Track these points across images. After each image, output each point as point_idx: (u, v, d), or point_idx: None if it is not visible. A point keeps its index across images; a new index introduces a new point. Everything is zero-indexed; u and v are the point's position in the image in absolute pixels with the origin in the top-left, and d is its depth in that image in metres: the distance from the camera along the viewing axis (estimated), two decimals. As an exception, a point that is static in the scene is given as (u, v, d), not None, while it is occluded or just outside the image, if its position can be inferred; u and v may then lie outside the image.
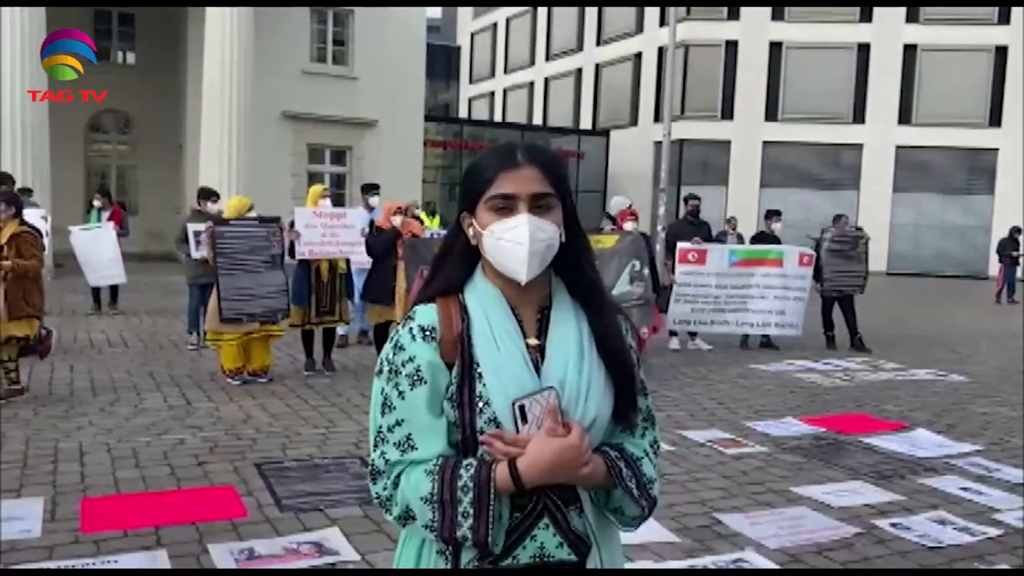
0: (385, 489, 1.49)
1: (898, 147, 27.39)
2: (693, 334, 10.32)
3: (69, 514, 4.22)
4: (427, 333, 1.51)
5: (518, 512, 1.47)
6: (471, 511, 1.42)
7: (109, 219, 11.61)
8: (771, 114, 28.06)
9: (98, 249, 11.16)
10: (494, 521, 1.42)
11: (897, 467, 5.56)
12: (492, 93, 38.64)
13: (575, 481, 1.47)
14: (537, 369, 1.50)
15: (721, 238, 10.94)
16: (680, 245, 9.62)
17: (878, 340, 10.94)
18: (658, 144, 23.70)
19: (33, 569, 3.40)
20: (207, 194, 9.49)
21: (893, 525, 4.47)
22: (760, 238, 10.83)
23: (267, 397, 6.94)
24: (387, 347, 1.55)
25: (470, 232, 1.56)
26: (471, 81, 40.41)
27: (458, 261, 1.59)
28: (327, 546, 3.92)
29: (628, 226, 8.82)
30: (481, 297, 1.55)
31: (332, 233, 7.65)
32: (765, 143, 27.96)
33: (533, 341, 1.53)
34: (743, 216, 24.66)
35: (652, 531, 4.27)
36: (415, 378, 1.48)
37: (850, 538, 4.27)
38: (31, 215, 8.14)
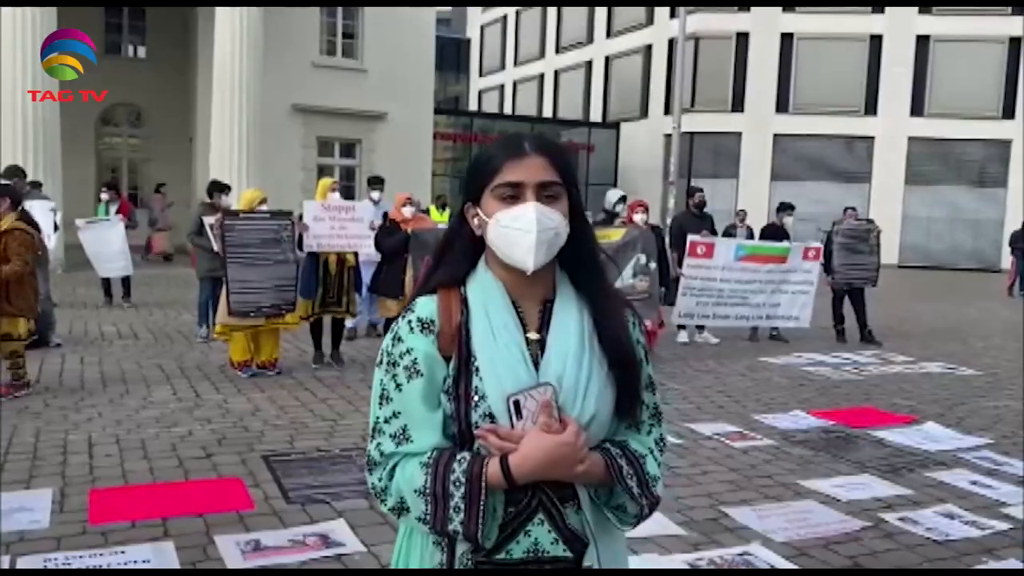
0: (380, 480, 1.49)
1: (910, 139, 27.21)
2: (701, 327, 10.29)
3: (77, 505, 4.24)
4: (425, 325, 1.50)
5: (512, 507, 1.46)
6: (462, 505, 1.41)
7: (117, 212, 11.67)
8: (782, 106, 27.91)
9: (107, 242, 11.23)
10: (485, 516, 1.41)
11: (906, 461, 5.54)
12: (502, 86, 38.58)
13: (570, 479, 1.46)
14: (536, 364, 1.48)
15: (730, 231, 10.90)
16: (690, 238, 9.57)
17: (888, 333, 10.88)
18: (668, 137, 23.67)
19: (37, 569, 3.41)
20: (219, 187, 9.51)
21: (901, 519, 4.45)
22: (770, 231, 10.76)
23: (276, 390, 6.96)
24: (387, 338, 1.55)
25: (475, 222, 1.54)
26: (481, 74, 40.35)
27: (461, 252, 1.58)
28: (333, 538, 3.93)
29: (637, 218, 8.78)
30: (482, 289, 1.53)
31: (341, 226, 7.64)
32: (776, 135, 27.82)
33: (534, 335, 1.52)
34: (754, 209, 24.59)
35: (658, 524, 4.26)
36: (412, 370, 1.48)
37: (858, 532, 4.25)
38: (40, 208, 8.18)
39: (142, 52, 22.69)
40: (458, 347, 1.48)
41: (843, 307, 10.73)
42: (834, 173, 27.63)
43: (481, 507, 1.41)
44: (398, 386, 1.49)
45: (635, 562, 3.78)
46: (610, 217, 9.87)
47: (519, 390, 1.44)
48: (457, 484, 1.41)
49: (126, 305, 11.56)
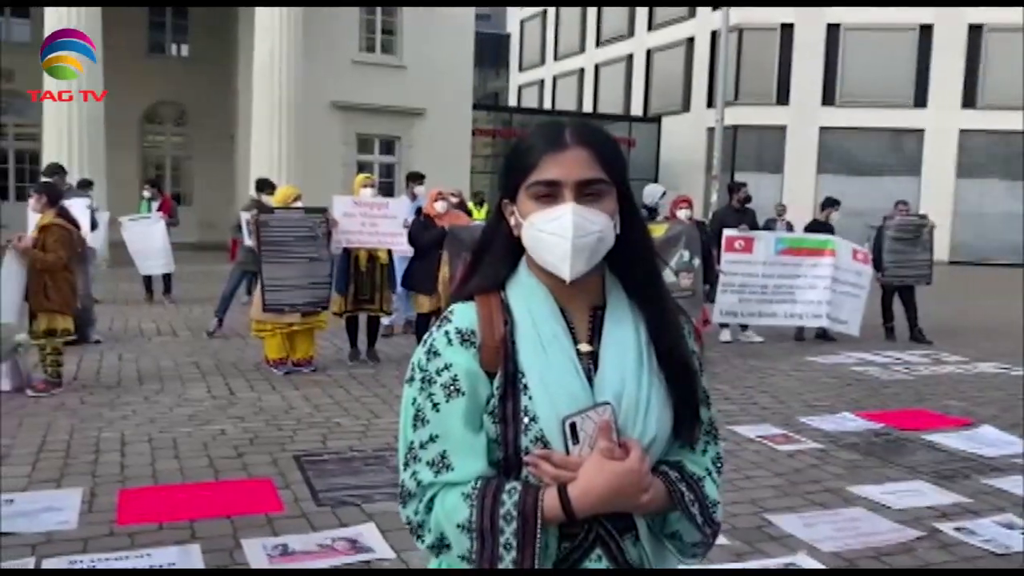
0: (417, 514, 1.33)
1: (962, 131, 26.43)
2: (744, 326, 10.04)
3: (106, 506, 4.20)
4: (465, 337, 1.33)
5: (567, 542, 1.30)
6: (514, 543, 1.25)
7: (159, 209, 11.77)
8: (828, 99, 27.31)
9: (148, 239, 11.34)
10: (541, 554, 1.26)
11: (961, 466, 5.28)
12: (542, 81, 38.39)
13: (633, 509, 1.30)
14: (589, 379, 1.32)
15: (770, 226, 10.62)
16: (726, 232, 9.33)
17: (940, 332, 10.51)
18: (711, 130, 23.31)
19: (60, 569, 3.36)
20: (264, 185, 9.58)
21: (957, 529, 4.21)
22: (814, 227, 10.45)
23: (310, 387, 6.90)
24: (419, 351, 1.37)
25: (512, 221, 1.38)
26: (521, 69, 40.20)
27: (500, 254, 1.41)
28: (362, 543, 3.83)
29: (682, 214, 8.58)
30: (526, 295, 1.37)
31: (372, 223, 7.54)
32: (822, 129, 27.24)
33: (585, 347, 1.35)
34: (799, 204, 24.12)
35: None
36: (451, 388, 1.31)
37: (911, 542, 4.04)
38: (77, 205, 8.23)
39: (185, 51, 22.96)
40: (503, 362, 1.32)
41: (893, 305, 10.40)
42: (882, 167, 26.96)
43: (537, 544, 1.25)
44: (435, 406, 1.32)
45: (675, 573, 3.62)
46: (650, 213, 9.68)
47: (576, 411, 1.28)
48: (508, 519, 1.25)
49: (167, 302, 11.65)
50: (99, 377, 7.13)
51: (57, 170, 9.25)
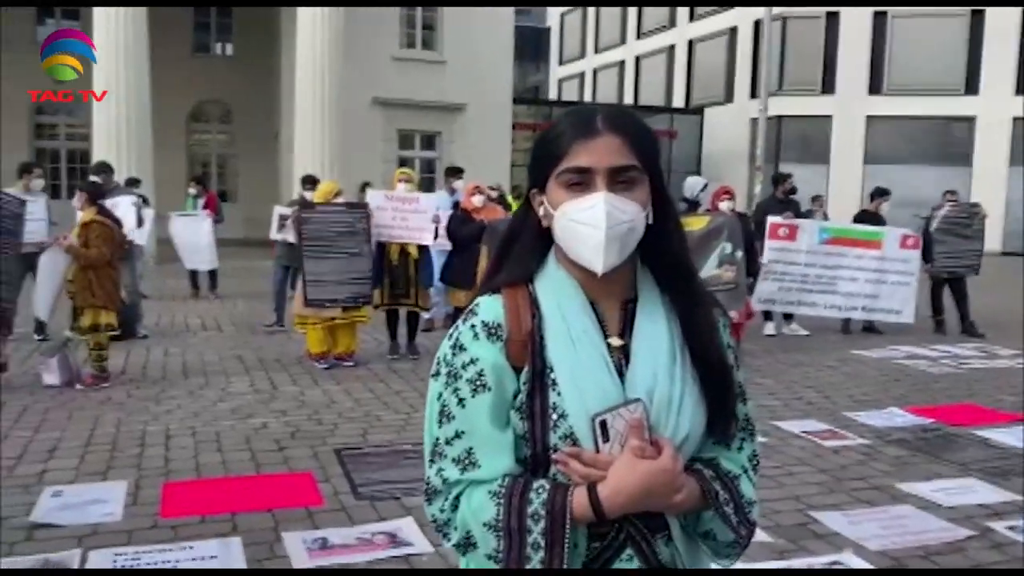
0: (443, 511, 1.31)
1: (1015, 119, 25.68)
2: (789, 317, 9.87)
3: (150, 498, 4.27)
4: (492, 331, 1.31)
5: (597, 542, 1.28)
6: (542, 543, 1.22)
7: (204, 207, 11.95)
8: (875, 87, 26.73)
9: (195, 235, 11.55)
10: (570, 554, 1.23)
11: (1014, 463, 5.12)
12: (582, 73, 38.19)
13: (666, 509, 1.27)
14: (620, 375, 1.29)
15: (807, 217, 10.42)
16: (770, 219, 9.16)
17: (992, 324, 10.22)
18: (754, 121, 22.97)
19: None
20: (308, 181, 9.72)
21: (1010, 528, 4.09)
22: (863, 219, 10.23)
23: (351, 381, 6.95)
24: (444, 345, 1.35)
25: (540, 212, 1.35)
26: (561, 62, 40.03)
27: (528, 246, 1.38)
28: (401, 537, 3.83)
29: (724, 206, 8.45)
30: (555, 288, 1.34)
31: (402, 217, 7.55)
32: (869, 118, 26.67)
33: (616, 341, 1.32)
34: (846, 195, 23.66)
35: (741, 528, 4.03)
36: (477, 383, 1.29)
37: (961, 541, 3.93)
38: (124, 202, 8.40)
39: (230, 50, 23.26)
40: (531, 356, 1.29)
41: (943, 297, 10.14)
42: (931, 156, 26.30)
43: (566, 544, 1.22)
44: (461, 401, 1.30)
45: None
46: (691, 206, 9.55)
47: (606, 408, 1.25)
48: (536, 518, 1.23)
49: (212, 297, 11.83)
50: (145, 371, 7.26)
51: (104, 168, 9.42)
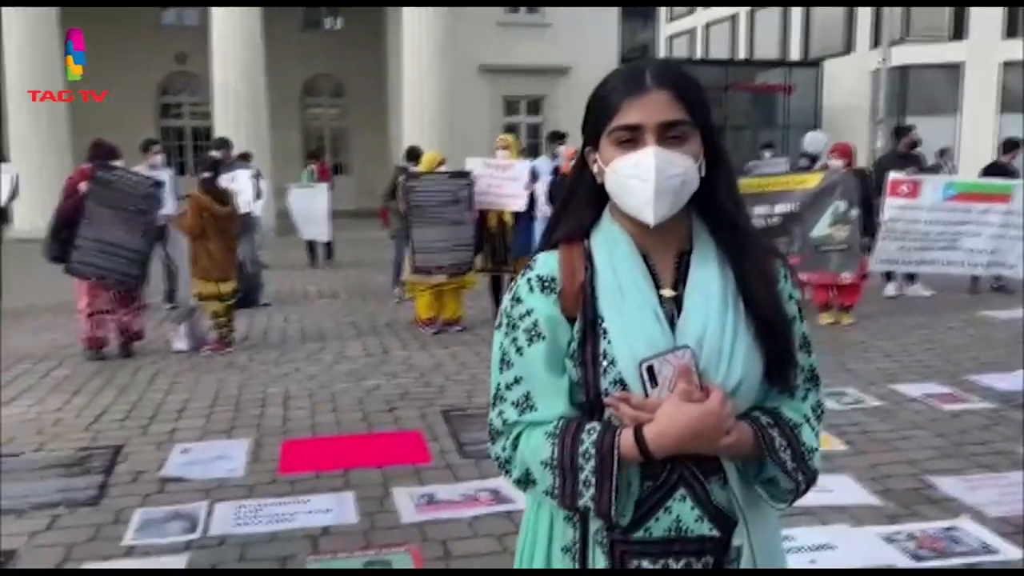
0: (504, 450, 1.39)
1: None
2: (911, 277, 9.43)
3: (270, 455, 4.52)
4: (546, 284, 1.37)
5: (649, 481, 1.32)
6: (593, 480, 1.28)
7: (319, 179, 12.36)
8: (1012, 30, 24.86)
9: (310, 206, 11.96)
10: (619, 492, 1.28)
11: None
12: (693, 29, 37.11)
13: (715, 452, 1.30)
14: (673, 324, 1.33)
15: (934, 172, 9.84)
16: (891, 175, 8.67)
17: None
18: (876, 72, 21.82)
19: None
20: (412, 153, 9.85)
21: None
22: (994, 171, 9.60)
23: (458, 346, 7.10)
24: (506, 299, 1.43)
25: (594, 169, 1.40)
26: (670, 19, 39.01)
27: (583, 202, 1.43)
28: (503, 494, 3.92)
29: (833, 163, 8.12)
30: (607, 242, 1.39)
31: (498, 184, 7.63)
32: (1005, 64, 24.87)
33: (668, 292, 1.36)
34: (978, 147, 22.23)
35: (850, 492, 3.95)
36: (533, 333, 1.36)
37: (1091, 510, 3.71)
38: (242, 176, 8.79)
39: (339, 24, 23.76)
40: (582, 307, 1.34)
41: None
42: (1075, 102, 24.37)
43: (614, 482, 1.28)
44: (519, 350, 1.37)
45: (823, 532, 3.51)
46: (812, 161, 9.20)
47: (653, 355, 1.29)
48: (587, 456, 1.29)
49: (328, 267, 12.27)
50: (266, 337, 7.63)
51: (223, 144, 9.85)
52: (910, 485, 4.04)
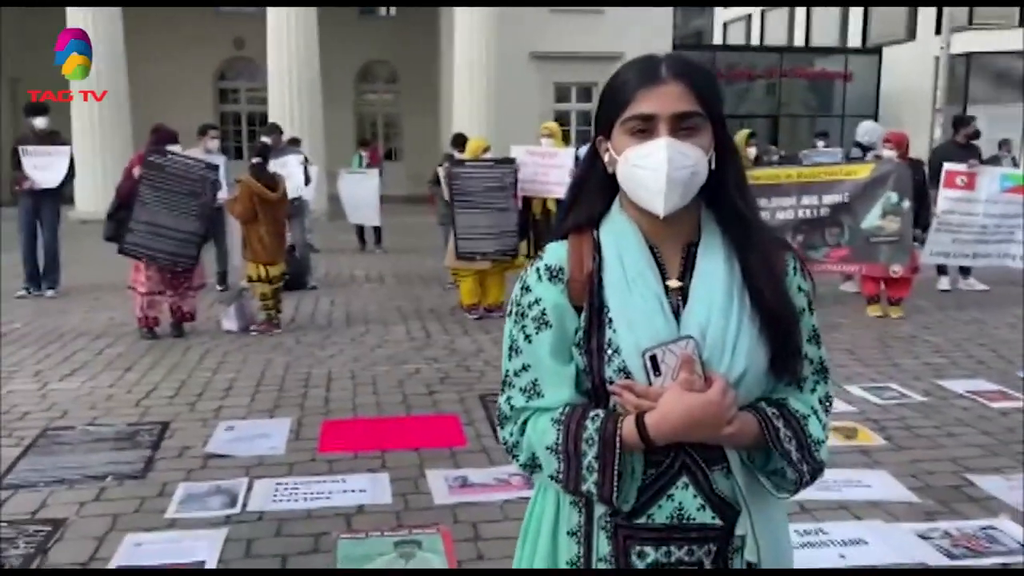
0: (512, 435, 1.43)
1: None
2: (966, 271, 9.19)
3: (310, 435, 4.62)
4: (554, 273, 1.41)
5: (652, 468, 1.35)
6: (596, 466, 1.32)
7: (369, 165, 12.51)
8: (1083, 16, 23.95)
9: (360, 192, 12.11)
10: (621, 477, 1.31)
11: None
12: (749, 16, 36.46)
13: (716, 441, 1.32)
14: (678, 314, 1.35)
15: (994, 163, 9.55)
16: (947, 167, 8.43)
17: None
18: (939, 60, 21.21)
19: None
20: (458, 140, 9.93)
21: None
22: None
23: (499, 332, 7.02)
24: (516, 287, 1.47)
25: (606, 158, 1.42)
26: (726, 4, 38.35)
27: (594, 193, 1.46)
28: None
29: (886, 154, 7.95)
30: (616, 232, 1.41)
31: (544, 172, 7.66)
32: (1074, 51, 23.97)
33: (675, 283, 1.38)
34: (1043, 137, 21.45)
35: (888, 488, 3.90)
36: (540, 321, 1.40)
37: None
38: (292, 161, 8.94)
39: (394, 11, 23.92)
40: (589, 297, 1.38)
41: None
42: None
43: (616, 468, 1.31)
44: (527, 338, 1.41)
45: (856, 528, 3.48)
46: (865, 151, 9.02)
47: (657, 344, 1.31)
48: (590, 442, 1.32)
49: (377, 251, 12.43)
50: (313, 319, 7.78)
51: (273, 129, 9.99)
52: (950, 483, 3.97)
